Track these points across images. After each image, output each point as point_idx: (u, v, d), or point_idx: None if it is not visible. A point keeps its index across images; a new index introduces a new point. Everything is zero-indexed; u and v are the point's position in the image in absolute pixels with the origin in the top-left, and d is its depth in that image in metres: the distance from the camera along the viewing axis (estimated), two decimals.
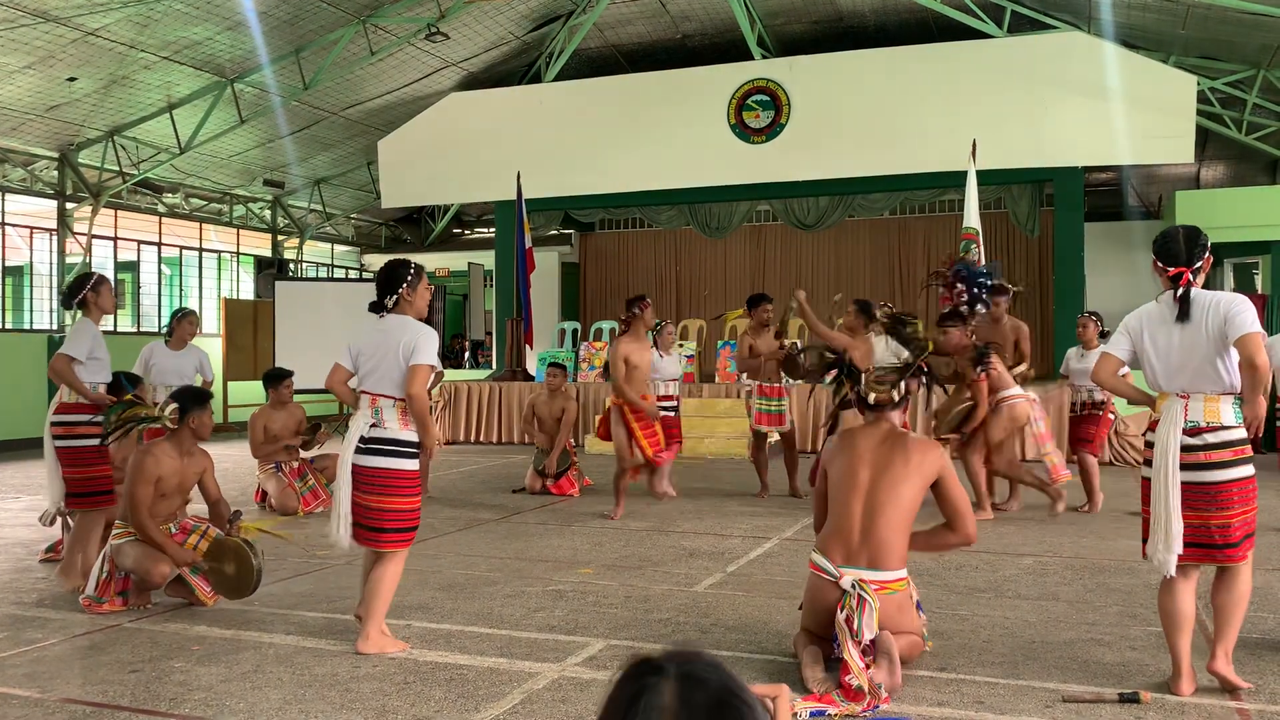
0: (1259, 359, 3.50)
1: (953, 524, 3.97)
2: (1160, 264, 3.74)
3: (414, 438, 4.31)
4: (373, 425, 4.25)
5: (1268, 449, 10.53)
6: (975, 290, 8.08)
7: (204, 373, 7.64)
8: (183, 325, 7.56)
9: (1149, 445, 3.71)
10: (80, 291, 5.58)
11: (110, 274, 15.90)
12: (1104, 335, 7.92)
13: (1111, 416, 8.09)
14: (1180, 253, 3.68)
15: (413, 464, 4.31)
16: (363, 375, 4.35)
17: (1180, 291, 3.66)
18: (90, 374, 5.55)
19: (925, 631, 4.06)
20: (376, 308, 4.43)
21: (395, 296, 4.37)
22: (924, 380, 4.34)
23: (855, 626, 3.58)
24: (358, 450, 4.24)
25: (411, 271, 4.40)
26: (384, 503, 4.23)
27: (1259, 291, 14.04)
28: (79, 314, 5.67)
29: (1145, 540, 3.69)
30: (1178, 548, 3.55)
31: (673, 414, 8.65)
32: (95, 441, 5.50)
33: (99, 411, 5.47)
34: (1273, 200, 13.66)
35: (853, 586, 3.70)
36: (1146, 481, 3.69)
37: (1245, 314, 3.55)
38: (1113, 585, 5.40)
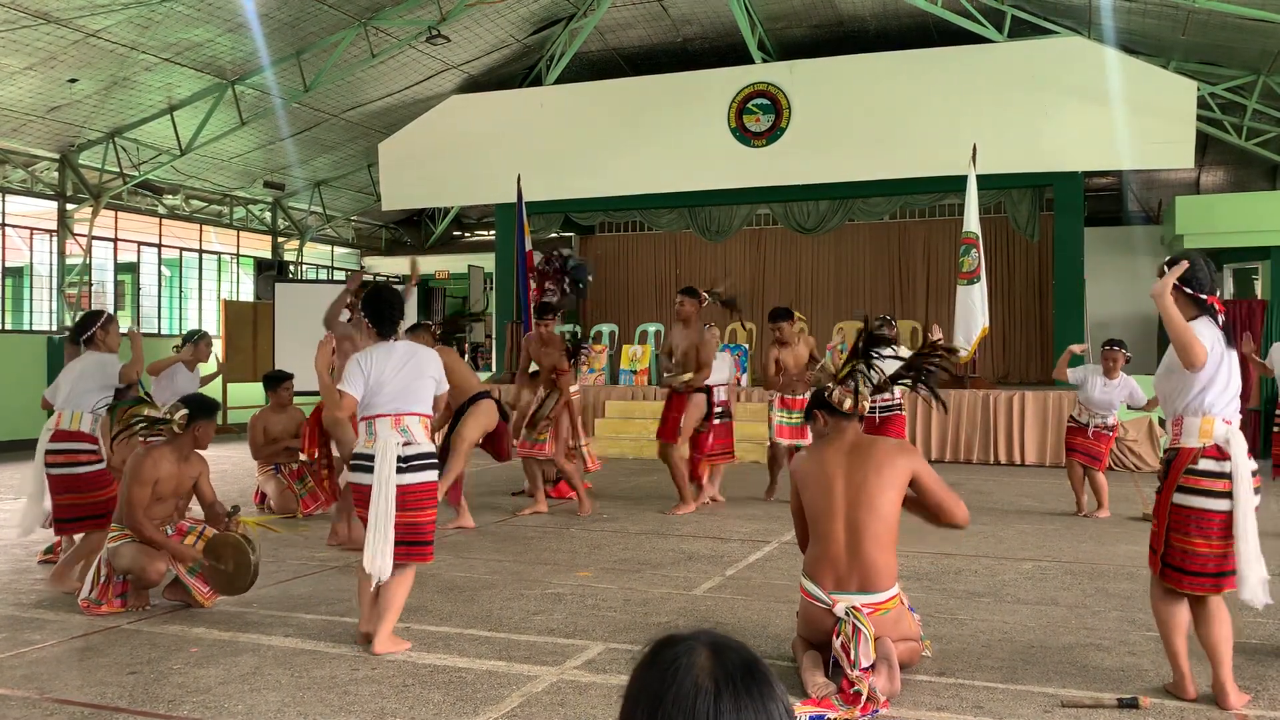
0: None
1: (941, 517, 3.94)
2: (1190, 292, 3.66)
3: (434, 449, 4.50)
4: (405, 444, 4.31)
5: (1264, 456, 10.51)
6: (568, 283, 8.39)
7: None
8: (199, 348, 7.56)
9: (1203, 474, 3.58)
10: (90, 328, 5.74)
11: (110, 275, 15.91)
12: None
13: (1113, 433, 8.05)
14: (1208, 280, 3.68)
15: (436, 475, 4.50)
16: (386, 397, 4.36)
17: (1223, 320, 3.66)
18: (94, 400, 5.62)
19: (922, 633, 4.05)
20: (390, 333, 4.55)
21: (400, 322, 4.63)
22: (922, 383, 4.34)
23: (852, 657, 3.58)
24: (400, 470, 4.26)
25: (402, 303, 4.78)
26: (419, 516, 4.32)
27: (1259, 297, 14.05)
28: (83, 349, 5.75)
29: (1181, 570, 3.60)
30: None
31: (721, 420, 8.45)
32: (94, 468, 5.56)
33: (91, 440, 5.58)
34: (1273, 205, 13.67)
35: (847, 614, 3.68)
36: (1190, 511, 3.58)
37: None
38: (1112, 590, 5.39)
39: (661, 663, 1.19)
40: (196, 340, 7.61)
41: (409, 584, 4.38)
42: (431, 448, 4.43)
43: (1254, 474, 3.59)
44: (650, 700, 1.17)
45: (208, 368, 7.36)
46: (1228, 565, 3.55)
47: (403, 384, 4.37)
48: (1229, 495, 3.53)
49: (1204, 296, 3.67)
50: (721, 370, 8.55)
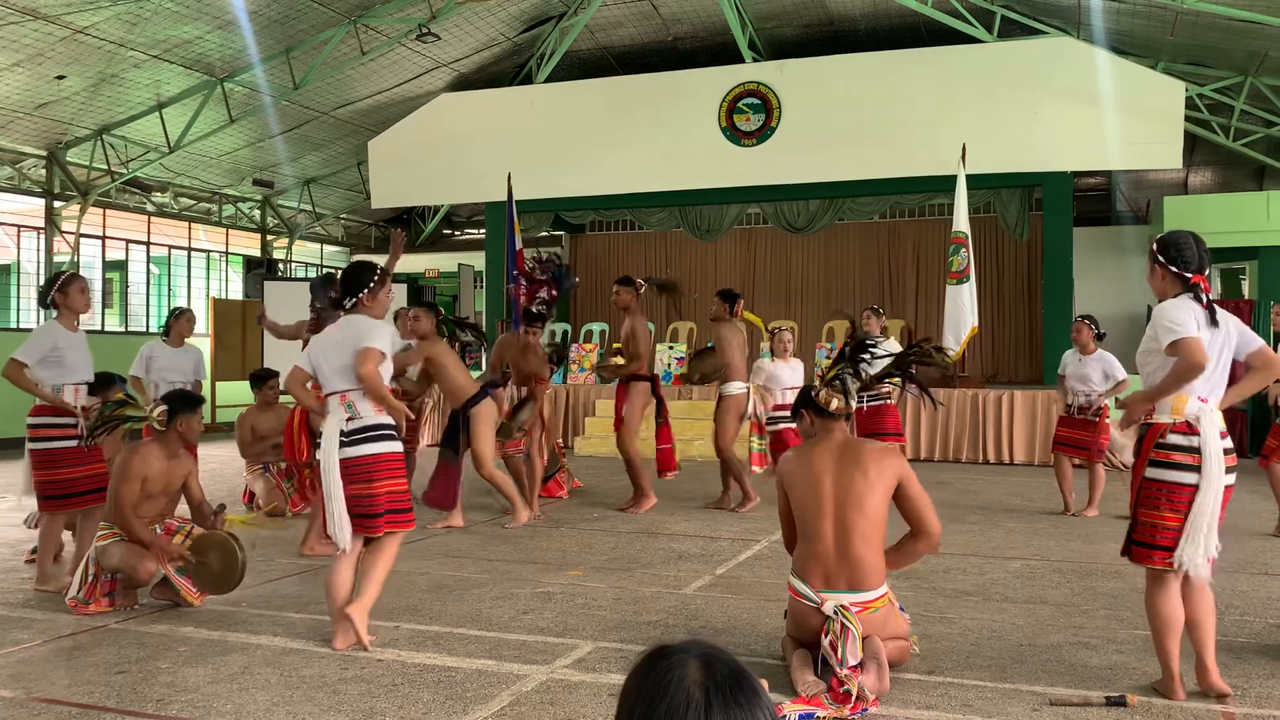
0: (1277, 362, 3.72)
1: (918, 527, 3.95)
2: (1175, 270, 3.69)
3: (390, 420, 4.42)
4: (349, 419, 4.33)
5: (1254, 453, 10.57)
6: (555, 290, 8.41)
7: (197, 373, 7.56)
8: (180, 323, 7.48)
9: (1172, 448, 3.60)
10: (49, 293, 5.47)
11: (98, 273, 15.83)
12: (1099, 337, 7.92)
13: (1109, 422, 8.05)
14: (1194, 258, 3.70)
15: (396, 445, 4.42)
16: (327, 378, 4.41)
17: (1207, 298, 3.67)
18: (55, 375, 5.40)
19: (910, 630, 4.06)
20: (337, 305, 4.54)
21: (355, 300, 4.48)
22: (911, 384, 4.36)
23: (840, 655, 3.58)
24: (342, 444, 4.30)
25: (375, 277, 4.51)
26: (375, 488, 4.31)
27: (1245, 297, 14.13)
28: (53, 314, 5.52)
29: (1149, 545, 3.63)
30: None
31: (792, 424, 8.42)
32: (66, 444, 5.41)
33: (69, 414, 5.42)
34: (1259, 206, 13.75)
35: (835, 613, 3.69)
36: (1162, 485, 3.61)
37: (1247, 329, 3.75)
38: (1100, 589, 5.42)
39: (655, 675, 1.26)
40: (178, 316, 7.53)
41: (391, 555, 4.42)
42: (380, 419, 4.36)
43: (1229, 453, 3.61)
44: (644, 712, 1.24)
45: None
46: None
47: (337, 361, 4.38)
48: (1199, 470, 3.57)
49: (1189, 275, 3.69)
50: (793, 375, 8.15)
